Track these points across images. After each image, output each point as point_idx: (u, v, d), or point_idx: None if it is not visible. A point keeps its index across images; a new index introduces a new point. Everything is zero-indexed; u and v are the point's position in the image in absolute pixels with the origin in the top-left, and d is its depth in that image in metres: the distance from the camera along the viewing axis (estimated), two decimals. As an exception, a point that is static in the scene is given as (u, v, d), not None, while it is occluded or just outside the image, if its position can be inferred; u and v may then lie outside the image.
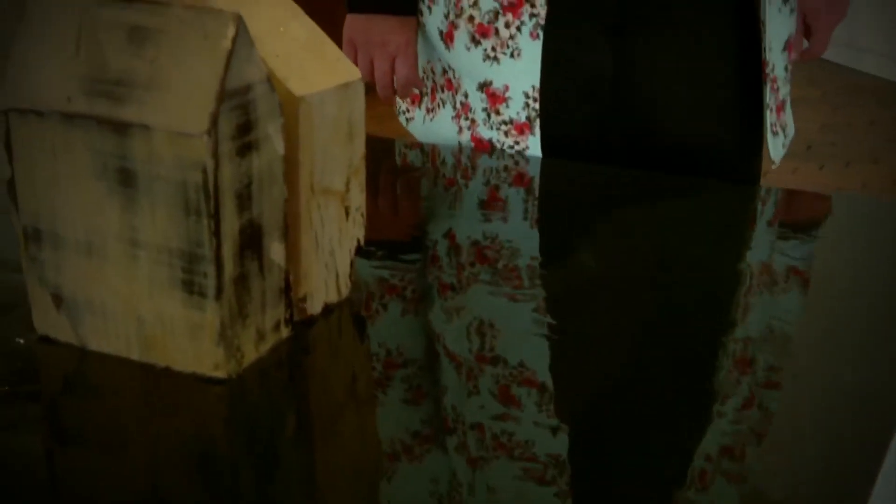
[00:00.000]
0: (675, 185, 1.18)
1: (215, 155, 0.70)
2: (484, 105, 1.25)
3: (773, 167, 1.34)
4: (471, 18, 1.23)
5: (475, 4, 1.22)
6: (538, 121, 1.22)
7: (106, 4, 0.73)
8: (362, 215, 0.86)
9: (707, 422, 0.73)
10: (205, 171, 0.70)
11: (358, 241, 0.87)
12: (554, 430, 0.71)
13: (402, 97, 1.38)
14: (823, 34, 1.38)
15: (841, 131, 4.23)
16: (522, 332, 0.84)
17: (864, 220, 1.14)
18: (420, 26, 1.31)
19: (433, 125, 1.34)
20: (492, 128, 1.25)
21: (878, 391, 0.77)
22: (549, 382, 0.78)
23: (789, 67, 1.33)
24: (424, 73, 1.34)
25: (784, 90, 1.33)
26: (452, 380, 0.78)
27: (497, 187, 1.16)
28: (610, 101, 1.26)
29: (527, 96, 1.22)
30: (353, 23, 1.33)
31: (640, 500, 0.66)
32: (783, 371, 0.80)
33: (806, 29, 1.38)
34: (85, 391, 0.77)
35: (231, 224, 0.73)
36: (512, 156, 1.23)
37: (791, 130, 1.37)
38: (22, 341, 0.81)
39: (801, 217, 1.16)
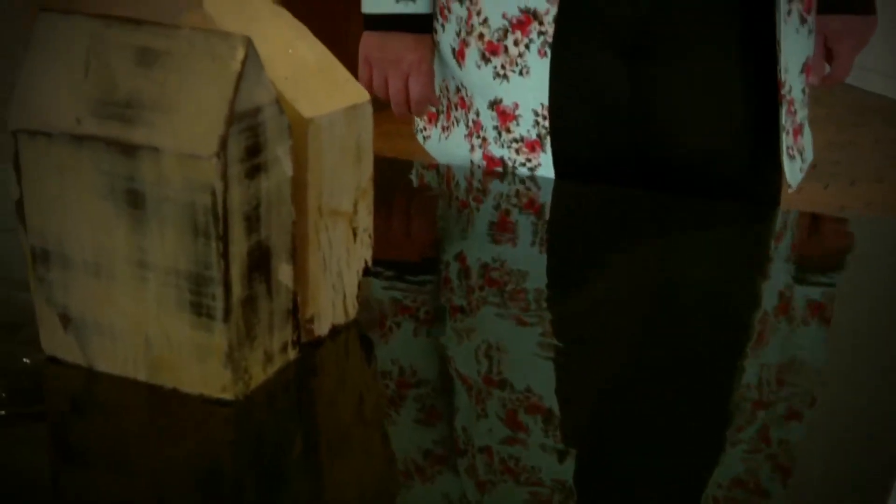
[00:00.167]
0: (688, 208, 1.17)
1: (224, 177, 0.70)
2: (495, 123, 1.25)
3: (790, 191, 1.31)
4: (481, 36, 1.23)
5: (485, 22, 1.22)
6: (549, 138, 1.22)
7: (115, 26, 0.73)
8: (370, 236, 0.86)
9: (718, 449, 0.73)
10: (214, 194, 0.70)
11: (365, 262, 0.86)
12: (561, 455, 0.71)
13: (417, 114, 1.39)
14: (845, 59, 1.36)
15: (846, 150, 4.23)
16: (529, 355, 0.83)
17: (883, 243, 1.13)
18: (435, 44, 1.32)
19: (448, 143, 1.34)
20: (503, 146, 1.25)
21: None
22: (556, 407, 0.77)
23: (807, 90, 1.31)
24: (441, 91, 1.35)
25: (802, 113, 1.30)
26: (460, 402, 0.78)
27: (508, 211, 1.16)
28: (625, 123, 1.26)
29: (536, 114, 1.22)
30: (369, 40, 1.34)
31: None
32: (798, 399, 0.79)
33: (827, 53, 1.36)
34: (92, 412, 0.77)
35: (239, 246, 0.73)
36: (523, 181, 1.22)
37: (809, 155, 1.35)
38: (29, 361, 0.81)
39: (818, 241, 1.15)
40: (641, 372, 0.82)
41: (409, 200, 1.22)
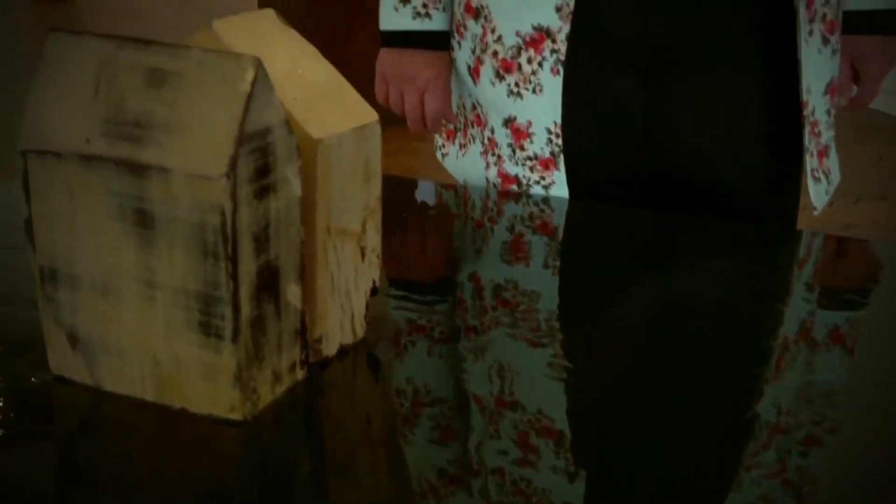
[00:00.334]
0: (704, 228, 1.16)
1: (234, 197, 0.70)
2: (509, 140, 1.26)
3: (815, 213, 1.29)
4: (495, 54, 1.24)
5: (499, 40, 1.23)
6: (562, 156, 1.22)
7: (125, 47, 0.73)
8: (378, 256, 0.86)
9: (732, 476, 0.73)
10: (223, 214, 0.70)
11: (373, 282, 0.86)
12: (571, 478, 0.71)
13: (433, 131, 1.39)
14: (872, 81, 1.34)
15: (850, 168, 4.22)
16: (541, 376, 0.83)
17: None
18: (452, 61, 1.32)
19: (465, 161, 1.35)
20: (517, 163, 1.25)
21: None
22: (567, 430, 0.77)
23: (832, 112, 1.29)
24: (458, 108, 1.35)
25: (827, 135, 1.28)
26: (471, 423, 0.78)
27: (521, 234, 1.16)
28: (641, 143, 1.25)
29: (549, 132, 1.22)
30: (386, 57, 1.34)
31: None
32: (813, 427, 0.79)
33: (854, 74, 1.34)
34: (100, 432, 0.77)
35: (248, 266, 0.72)
36: (537, 203, 1.22)
37: (836, 177, 1.32)
38: (37, 381, 0.81)
39: (838, 264, 1.13)
40: (653, 395, 0.82)
41: (424, 220, 1.22)
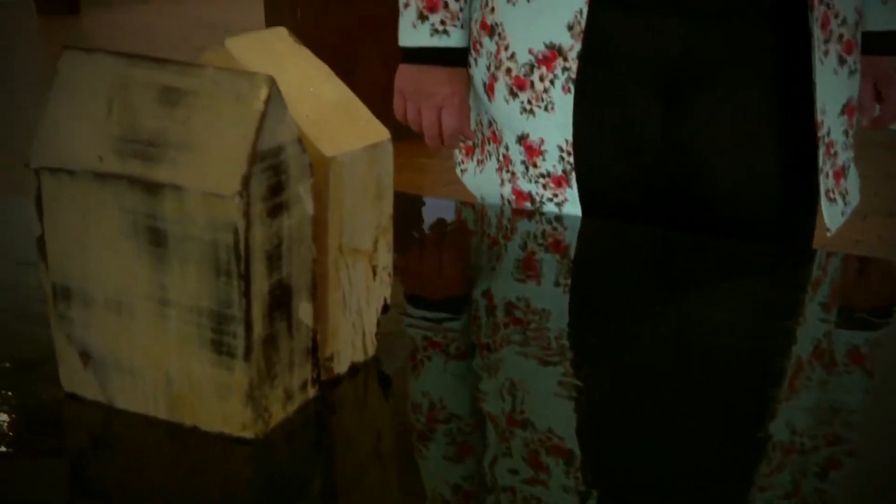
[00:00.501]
0: (718, 248, 1.16)
1: (247, 216, 0.70)
2: (522, 158, 1.26)
3: (829, 235, 1.28)
4: (508, 71, 1.24)
5: (512, 57, 1.23)
6: (574, 174, 1.22)
7: (139, 65, 0.74)
8: (389, 275, 0.86)
9: (745, 494, 0.72)
10: (236, 232, 0.70)
11: (385, 300, 0.86)
12: (583, 498, 0.71)
13: (450, 147, 1.39)
14: (895, 101, 1.33)
15: (857, 184, 4.22)
16: (552, 394, 0.83)
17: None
18: (470, 78, 1.33)
19: (482, 177, 1.35)
20: (530, 180, 1.26)
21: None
22: (577, 448, 0.77)
23: (850, 132, 1.27)
24: (476, 125, 1.36)
25: (844, 155, 1.27)
26: (480, 442, 0.77)
27: (534, 252, 1.16)
28: (656, 162, 1.25)
29: (561, 150, 1.22)
30: (404, 73, 1.35)
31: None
32: (827, 448, 0.79)
33: (877, 94, 1.33)
34: (112, 449, 0.77)
35: (261, 284, 0.73)
36: (550, 220, 1.22)
37: (854, 199, 1.31)
38: (48, 398, 0.81)
39: (856, 284, 1.13)
40: (665, 415, 0.82)
41: (438, 237, 1.22)
